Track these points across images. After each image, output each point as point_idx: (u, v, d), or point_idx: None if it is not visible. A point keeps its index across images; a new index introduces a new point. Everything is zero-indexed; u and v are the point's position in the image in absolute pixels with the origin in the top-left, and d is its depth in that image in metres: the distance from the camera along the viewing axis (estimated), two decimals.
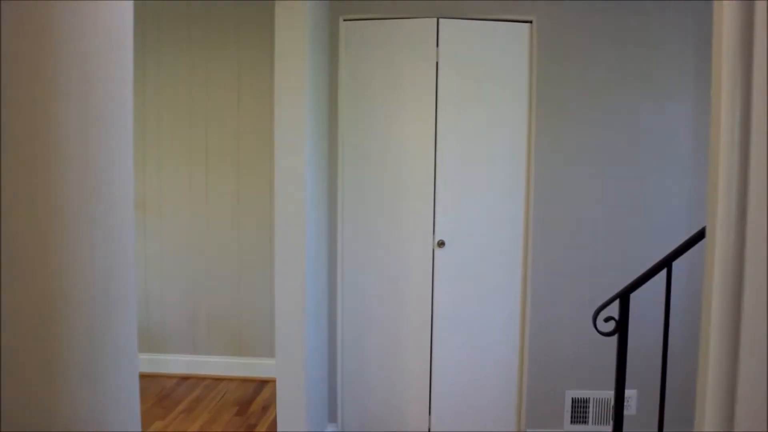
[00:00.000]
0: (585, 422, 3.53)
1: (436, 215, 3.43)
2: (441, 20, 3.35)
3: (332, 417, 3.56)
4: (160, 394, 4.26)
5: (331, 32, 3.39)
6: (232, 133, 4.41)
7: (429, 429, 3.55)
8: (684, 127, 3.31)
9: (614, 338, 3.48)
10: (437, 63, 3.37)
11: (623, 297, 2.54)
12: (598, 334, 3.44)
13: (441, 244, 3.39)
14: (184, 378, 4.58)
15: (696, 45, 3.30)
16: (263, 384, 4.48)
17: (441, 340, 3.48)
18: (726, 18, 1.19)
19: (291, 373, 3.04)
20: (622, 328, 2.54)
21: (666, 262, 2.34)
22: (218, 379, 4.57)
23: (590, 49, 3.33)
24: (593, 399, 3.52)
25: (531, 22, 3.38)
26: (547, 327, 3.47)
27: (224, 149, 4.43)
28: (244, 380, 4.58)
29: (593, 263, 3.40)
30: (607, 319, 2.52)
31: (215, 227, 4.48)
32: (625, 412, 3.51)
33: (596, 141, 3.35)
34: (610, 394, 3.49)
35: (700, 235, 2.19)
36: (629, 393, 3.50)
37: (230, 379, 4.57)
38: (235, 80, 4.37)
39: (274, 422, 3.79)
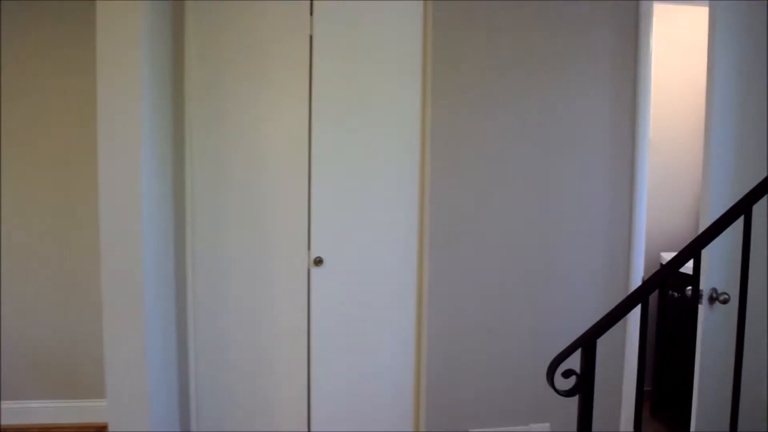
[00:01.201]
0: None
1: (312, 227, 2.87)
2: None
3: None
4: None
5: (175, 8, 2.73)
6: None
7: None
8: (600, 119, 2.93)
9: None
10: (311, 36, 2.79)
11: (586, 345, 1.94)
12: (509, 364, 3.02)
13: (318, 261, 2.84)
14: None
15: (613, 28, 2.92)
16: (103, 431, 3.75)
17: (319, 382, 2.94)
18: None
19: (128, 423, 2.41)
20: (585, 385, 1.96)
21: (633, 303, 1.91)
22: (46, 429, 3.79)
23: (495, 31, 2.87)
24: None
25: None
26: (449, 354, 3.00)
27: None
28: (81, 428, 3.82)
29: (504, 279, 2.97)
30: (566, 374, 1.92)
31: (39, 244, 3.69)
32: None
33: (503, 133, 2.90)
34: (523, 430, 3.09)
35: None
36: (541, 427, 3.11)
37: (62, 428, 3.81)
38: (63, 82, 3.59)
39: None
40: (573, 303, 2.98)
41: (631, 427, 3.11)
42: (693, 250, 1.94)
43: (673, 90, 3.84)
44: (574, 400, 3.07)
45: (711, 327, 2.64)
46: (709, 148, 2.50)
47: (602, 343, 3.03)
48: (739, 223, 2.72)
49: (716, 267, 2.62)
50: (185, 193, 2.78)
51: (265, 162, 2.82)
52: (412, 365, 3.03)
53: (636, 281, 2.92)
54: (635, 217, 2.90)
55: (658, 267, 3.85)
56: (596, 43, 2.89)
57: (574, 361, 2.92)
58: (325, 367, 2.95)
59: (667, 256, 3.63)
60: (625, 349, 3.06)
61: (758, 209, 2.57)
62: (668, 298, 3.52)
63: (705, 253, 2.54)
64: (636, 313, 2.99)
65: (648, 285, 1.90)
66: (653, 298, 3.83)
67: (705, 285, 2.54)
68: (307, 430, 2.96)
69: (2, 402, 3.80)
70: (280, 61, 2.80)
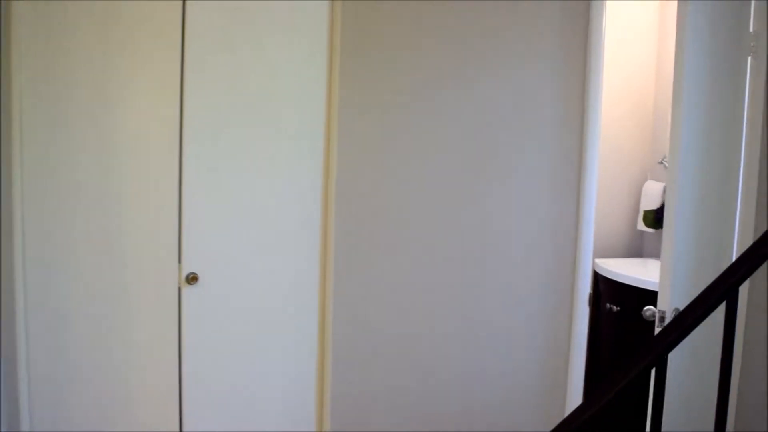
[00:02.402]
0: None
1: (184, 235, 2.28)
2: None
3: None
4: None
5: None
6: None
7: None
8: (546, 122, 2.51)
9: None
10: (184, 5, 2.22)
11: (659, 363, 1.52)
12: (433, 408, 2.58)
13: (192, 279, 2.28)
14: None
15: (563, 28, 2.52)
16: None
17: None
18: None
19: None
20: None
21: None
22: None
23: (420, 30, 2.41)
24: None
25: None
26: (357, 394, 2.52)
27: None
28: None
29: (429, 294, 2.51)
30: None
31: None
32: None
33: (431, 135, 2.44)
34: None
35: None
36: None
37: None
38: None
39: None
40: (511, 320, 2.58)
41: None
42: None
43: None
44: (504, 413, 2.67)
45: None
46: (676, 150, 2.16)
47: (538, 349, 2.63)
48: (706, 238, 2.44)
49: (679, 285, 2.30)
50: (12, 207, 2.11)
51: (122, 162, 2.21)
52: (313, 407, 2.52)
53: (582, 297, 2.55)
54: (582, 228, 2.53)
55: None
56: (543, 43, 2.48)
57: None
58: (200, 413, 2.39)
59: (601, 262, 3.33)
60: (570, 358, 2.69)
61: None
62: (603, 309, 3.21)
63: (668, 269, 2.21)
64: (583, 318, 2.64)
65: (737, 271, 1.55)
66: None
67: (668, 305, 2.20)
68: None
69: None
70: (139, 12, 2.19)
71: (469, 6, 2.40)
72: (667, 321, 2.18)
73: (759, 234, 2.68)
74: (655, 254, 3.59)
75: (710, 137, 2.32)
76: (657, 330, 2.20)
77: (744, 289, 2.37)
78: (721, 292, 1.56)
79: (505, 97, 2.46)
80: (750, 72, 2.57)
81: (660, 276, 2.21)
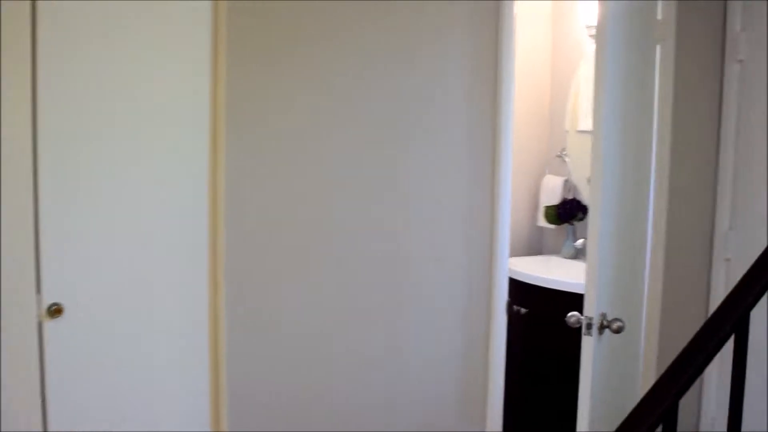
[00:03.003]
0: None
1: (43, 259, 1.91)
2: None
3: None
4: None
5: None
6: None
7: None
8: (456, 122, 2.32)
9: None
10: None
11: (668, 416, 1.30)
12: (342, 409, 2.34)
13: (55, 311, 1.91)
14: None
15: (473, 28, 2.33)
16: None
17: None
18: None
19: None
20: None
21: None
22: None
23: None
24: None
25: None
26: (258, 407, 2.24)
27: None
28: None
29: (332, 304, 2.26)
30: None
31: None
32: None
33: (338, 130, 2.18)
34: None
35: None
36: None
37: None
38: None
39: None
40: (426, 325, 2.38)
41: None
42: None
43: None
44: None
45: (598, 358, 2.20)
46: (598, 149, 2.03)
47: (456, 367, 2.45)
48: (631, 229, 2.34)
49: (605, 286, 2.18)
50: None
51: None
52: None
53: (500, 305, 2.39)
54: (497, 229, 2.36)
55: None
56: (453, 42, 2.29)
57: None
58: None
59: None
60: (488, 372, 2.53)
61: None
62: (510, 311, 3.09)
63: (594, 273, 2.08)
64: (500, 327, 2.48)
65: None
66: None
67: (594, 311, 2.08)
68: None
69: None
70: None
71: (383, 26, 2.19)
72: (594, 328, 2.06)
73: (671, 230, 2.66)
74: (556, 251, 3.52)
75: (626, 134, 2.22)
76: (585, 338, 2.07)
77: None
78: (731, 322, 1.38)
79: (414, 89, 2.26)
80: (659, 61, 2.52)
81: (586, 280, 2.08)
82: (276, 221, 2.17)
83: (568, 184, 3.50)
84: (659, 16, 2.46)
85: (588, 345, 2.08)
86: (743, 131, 2.61)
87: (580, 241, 3.30)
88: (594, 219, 2.06)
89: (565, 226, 3.43)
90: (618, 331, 2.13)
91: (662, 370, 2.60)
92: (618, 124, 2.12)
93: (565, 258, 3.43)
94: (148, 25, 1.98)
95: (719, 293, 2.70)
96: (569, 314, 2.17)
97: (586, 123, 3.51)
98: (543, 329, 2.93)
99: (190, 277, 2.13)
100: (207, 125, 2.01)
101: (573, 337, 3.05)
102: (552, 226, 3.46)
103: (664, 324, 2.62)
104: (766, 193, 2.54)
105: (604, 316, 2.12)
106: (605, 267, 2.15)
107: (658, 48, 2.48)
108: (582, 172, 3.46)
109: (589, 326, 2.06)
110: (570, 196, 3.47)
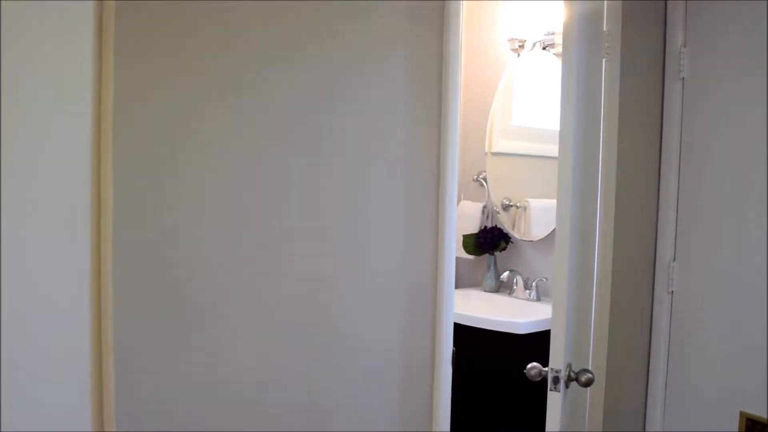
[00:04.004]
0: None
1: None
2: None
3: None
4: None
5: None
6: None
7: None
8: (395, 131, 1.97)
9: None
10: None
11: None
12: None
13: None
14: None
15: (414, 29, 2.01)
16: None
17: None
18: None
19: None
20: None
21: None
22: None
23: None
24: None
25: None
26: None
27: None
28: None
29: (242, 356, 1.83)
30: None
31: None
32: None
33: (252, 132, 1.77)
34: None
35: None
36: None
37: None
38: None
39: None
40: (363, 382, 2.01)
41: None
42: None
43: None
44: None
45: (565, 417, 1.94)
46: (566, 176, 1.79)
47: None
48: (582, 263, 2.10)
49: (571, 332, 1.92)
50: None
51: None
52: None
53: (445, 357, 2.07)
54: (442, 264, 2.04)
55: None
56: (392, 44, 1.97)
57: None
58: None
59: None
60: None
61: None
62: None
63: (562, 320, 1.82)
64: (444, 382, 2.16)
65: None
66: None
67: (562, 362, 1.81)
68: None
69: None
70: None
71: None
72: (561, 382, 1.79)
73: (615, 262, 2.47)
74: (475, 284, 3.27)
75: (579, 157, 1.99)
76: (552, 394, 1.80)
77: None
78: None
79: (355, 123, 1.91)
80: (605, 74, 2.33)
81: (552, 326, 1.81)
82: (170, 262, 1.74)
83: (486, 210, 3.27)
84: (605, 27, 2.26)
85: (555, 402, 1.81)
86: (687, 155, 2.48)
87: (505, 274, 3.06)
88: (561, 252, 1.80)
89: (486, 256, 3.19)
90: (588, 384, 1.87)
91: (609, 417, 2.45)
92: (575, 146, 1.89)
93: (487, 291, 3.19)
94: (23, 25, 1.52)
95: (662, 327, 2.54)
96: (529, 366, 1.90)
97: (503, 144, 3.33)
98: (474, 371, 2.64)
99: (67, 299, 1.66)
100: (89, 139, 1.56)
101: (505, 384, 2.84)
102: (470, 257, 3.21)
103: (610, 365, 2.42)
104: (711, 221, 2.43)
105: (569, 366, 1.87)
106: (572, 309, 1.90)
107: (603, 62, 2.28)
108: (500, 198, 3.26)
109: (556, 380, 1.79)
110: (490, 224, 3.25)
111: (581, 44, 1.85)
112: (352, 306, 1.93)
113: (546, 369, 1.83)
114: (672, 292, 2.52)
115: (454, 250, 2.07)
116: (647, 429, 2.57)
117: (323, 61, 1.81)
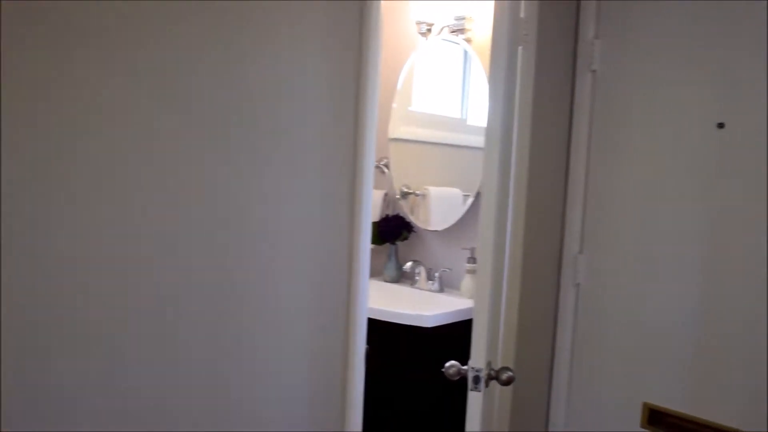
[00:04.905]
0: None
1: None
2: None
3: None
4: None
5: None
6: None
7: None
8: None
9: None
10: None
11: None
12: None
13: None
14: None
15: (331, 29, 1.87)
16: None
17: None
18: None
19: None
20: None
21: None
22: None
23: None
24: None
25: None
26: None
27: None
28: None
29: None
30: None
31: None
32: None
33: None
34: None
35: None
36: None
37: None
38: None
39: None
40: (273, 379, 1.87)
41: None
42: None
43: None
44: None
45: (486, 417, 1.89)
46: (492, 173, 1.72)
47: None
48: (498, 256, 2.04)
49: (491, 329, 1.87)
50: None
51: None
52: None
53: (359, 347, 1.97)
54: (357, 256, 1.94)
55: None
56: (309, 31, 1.82)
57: None
58: None
59: None
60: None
61: None
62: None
63: (484, 317, 1.76)
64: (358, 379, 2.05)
65: None
66: None
67: (483, 359, 1.75)
68: None
69: None
70: None
71: None
72: (482, 381, 1.74)
73: (525, 255, 2.45)
74: (375, 274, 3.18)
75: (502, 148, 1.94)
76: (472, 394, 1.74)
77: None
78: None
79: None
80: (521, 63, 2.29)
81: (474, 323, 1.75)
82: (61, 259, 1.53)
83: (388, 198, 3.19)
84: (522, 14, 2.22)
85: (476, 402, 1.75)
86: (596, 148, 2.49)
87: (408, 264, 2.99)
88: (485, 247, 1.74)
89: (387, 246, 3.11)
90: (508, 382, 1.83)
91: (516, 413, 2.44)
92: (503, 137, 1.84)
93: (387, 282, 3.11)
94: None
95: (567, 319, 2.56)
96: (448, 365, 1.83)
97: (403, 130, 3.25)
98: (384, 365, 2.56)
99: None
100: None
101: (412, 379, 2.77)
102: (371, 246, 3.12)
103: (518, 360, 2.40)
104: (618, 214, 2.45)
105: (489, 365, 1.82)
106: (494, 305, 1.85)
107: (520, 50, 2.24)
108: (400, 185, 3.19)
109: (477, 380, 1.73)
110: (391, 212, 3.17)
111: (501, 31, 1.79)
112: (258, 300, 1.79)
113: (465, 368, 1.78)
114: (578, 284, 2.54)
115: (369, 242, 1.97)
116: (551, 421, 2.59)
117: (234, 53, 1.66)
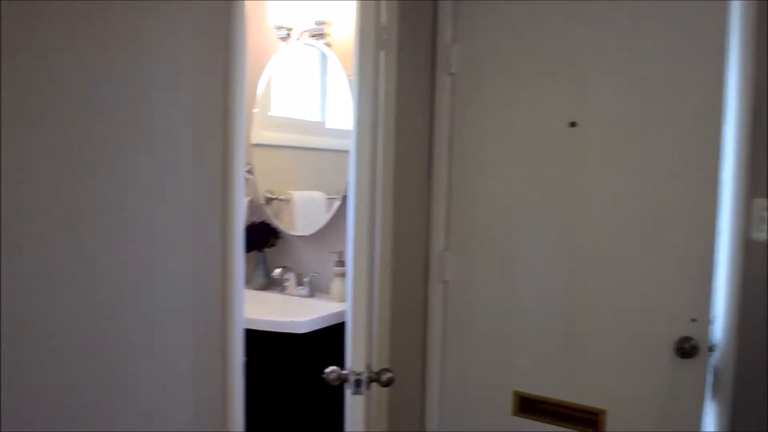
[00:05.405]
0: None
1: None
2: None
3: None
4: None
5: None
6: None
7: None
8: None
9: None
10: None
11: None
12: None
13: None
14: None
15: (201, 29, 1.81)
16: None
17: None
18: None
19: None
20: None
21: None
22: None
23: None
24: None
25: None
26: None
27: None
28: None
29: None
30: None
31: None
32: None
33: None
34: None
35: None
36: None
37: None
38: None
39: None
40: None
41: None
42: None
43: None
44: None
45: (370, 420, 1.89)
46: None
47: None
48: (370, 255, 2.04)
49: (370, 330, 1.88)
50: None
51: None
52: None
53: (238, 359, 1.91)
54: (232, 265, 1.88)
55: None
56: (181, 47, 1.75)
57: None
58: None
59: None
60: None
61: None
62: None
63: (362, 319, 1.77)
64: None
65: None
66: None
67: (362, 362, 1.76)
68: None
69: None
70: None
71: None
72: (363, 384, 1.75)
73: (395, 253, 2.48)
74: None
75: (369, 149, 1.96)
76: (354, 398, 1.75)
77: None
78: None
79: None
80: (383, 67, 2.31)
81: (351, 325, 1.75)
82: None
83: (253, 205, 3.14)
84: (384, 20, 2.25)
85: (358, 405, 1.77)
86: (458, 148, 2.57)
87: (277, 271, 2.96)
88: (359, 249, 1.75)
89: (254, 253, 3.06)
90: (389, 383, 1.85)
91: (393, 412, 2.46)
92: (372, 140, 1.85)
93: (256, 290, 3.06)
94: None
95: (437, 316, 2.63)
96: (328, 370, 1.82)
97: (264, 135, 3.21)
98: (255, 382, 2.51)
99: None
100: None
101: (291, 387, 2.72)
102: None
103: (393, 359, 2.44)
104: (481, 211, 2.54)
105: (369, 367, 1.84)
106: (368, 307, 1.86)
107: (382, 55, 2.27)
108: (264, 191, 3.15)
109: (359, 383, 1.75)
110: (257, 219, 3.12)
111: (364, 36, 1.81)
112: (129, 316, 1.71)
113: (346, 372, 1.78)
114: (446, 281, 2.61)
115: (243, 251, 1.94)
116: (426, 416, 2.64)
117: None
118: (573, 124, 2.30)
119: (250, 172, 3.13)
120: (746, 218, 2.03)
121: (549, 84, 2.37)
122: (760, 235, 2.03)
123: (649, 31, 2.18)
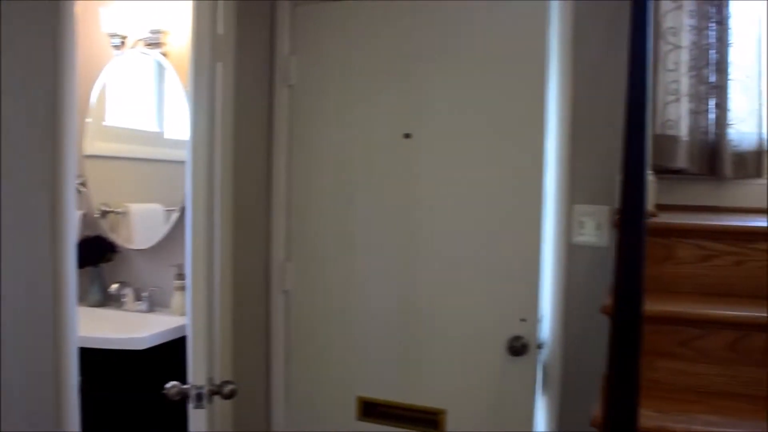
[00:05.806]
0: None
1: None
2: None
3: None
4: None
5: None
6: None
7: None
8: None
9: None
10: None
11: None
12: None
13: None
14: None
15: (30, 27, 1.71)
16: None
17: None
18: None
19: None
20: None
21: None
22: None
23: None
24: None
25: None
26: None
27: None
28: None
29: None
30: None
31: None
32: None
33: None
34: None
35: None
36: None
37: None
38: None
39: None
40: None
41: None
42: None
43: None
44: None
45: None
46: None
47: None
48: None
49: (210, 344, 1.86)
50: None
51: None
52: None
53: (72, 378, 1.83)
54: (64, 291, 1.80)
55: None
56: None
57: None
58: None
59: None
60: None
61: None
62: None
63: (201, 329, 1.75)
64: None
65: None
66: None
67: (203, 376, 1.75)
68: None
69: None
70: None
71: None
72: (205, 398, 1.74)
73: (236, 255, 2.49)
74: (78, 300, 2.97)
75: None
76: (197, 412, 1.74)
77: None
78: None
79: None
80: (219, 79, 2.30)
81: (192, 340, 1.75)
82: None
83: (87, 218, 3.01)
84: (221, 30, 2.25)
85: (199, 420, 1.76)
86: (297, 159, 2.60)
87: (114, 286, 2.86)
88: (197, 259, 1.74)
89: (88, 269, 2.93)
90: (231, 395, 1.84)
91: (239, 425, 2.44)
92: (208, 152, 1.85)
93: (92, 307, 2.93)
94: None
95: (279, 326, 2.65)
96: (168, 385, 1.79)
97: (98, 146, 3.09)
98: (92, 402, 2.42)
99: None
100: None
101: (131, 406, 2.62)
102: None
103: (236, 371, 2.42)
104: (320, 220, 2.58)
105: (211, 380, 1.82)
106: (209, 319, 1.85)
107: (219, 66, 2.26)
108: (98, 204, 3.03)
109: (200, 397, 1.73)
110: (91, 233, 2.99)
111: (200, 46, 1.80)
112: None
113: (187, 386, 1.76)
114: (287, 291, 2.64)
115: (75, 267, 1.87)
116: (273, 424, 2.65)
117: None
118: (408, 136, 2.40)
119: (83, 184, 3.00)
120: (568, 223, 2.22)
121: (385, 96, 2.45)
122: (580, 239, 2.21)
123: (477, 40, 2.31)
